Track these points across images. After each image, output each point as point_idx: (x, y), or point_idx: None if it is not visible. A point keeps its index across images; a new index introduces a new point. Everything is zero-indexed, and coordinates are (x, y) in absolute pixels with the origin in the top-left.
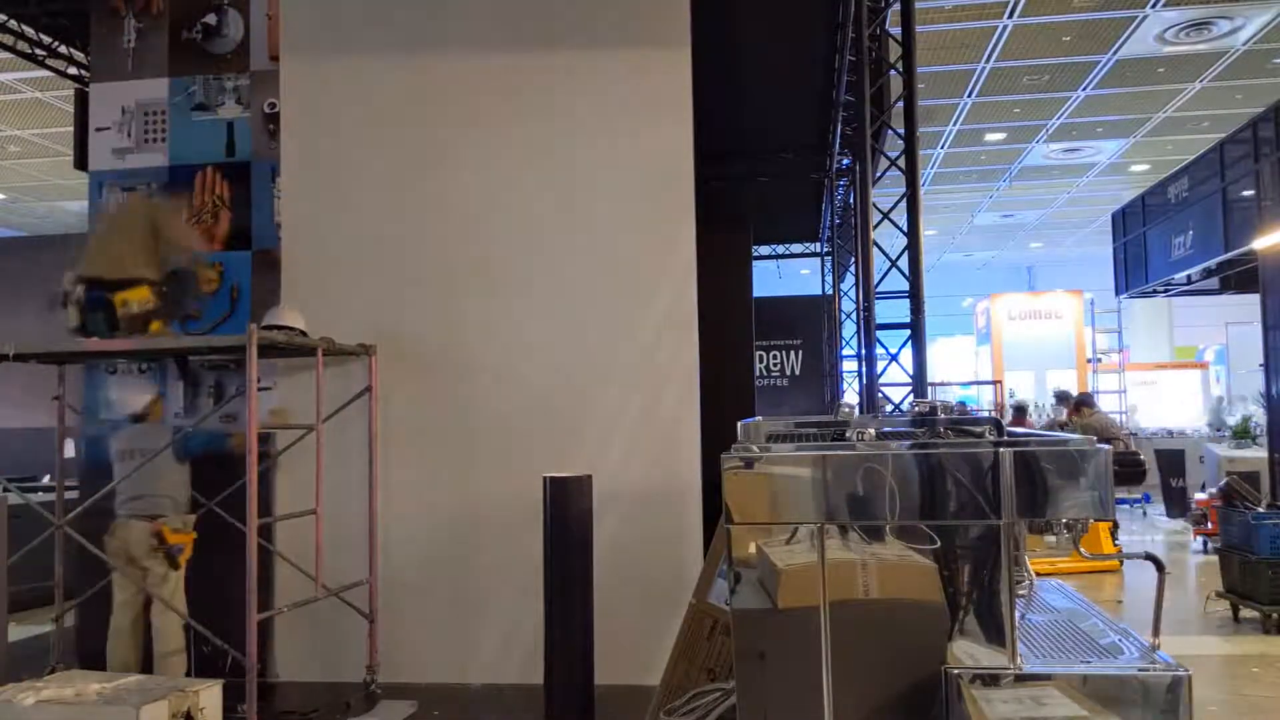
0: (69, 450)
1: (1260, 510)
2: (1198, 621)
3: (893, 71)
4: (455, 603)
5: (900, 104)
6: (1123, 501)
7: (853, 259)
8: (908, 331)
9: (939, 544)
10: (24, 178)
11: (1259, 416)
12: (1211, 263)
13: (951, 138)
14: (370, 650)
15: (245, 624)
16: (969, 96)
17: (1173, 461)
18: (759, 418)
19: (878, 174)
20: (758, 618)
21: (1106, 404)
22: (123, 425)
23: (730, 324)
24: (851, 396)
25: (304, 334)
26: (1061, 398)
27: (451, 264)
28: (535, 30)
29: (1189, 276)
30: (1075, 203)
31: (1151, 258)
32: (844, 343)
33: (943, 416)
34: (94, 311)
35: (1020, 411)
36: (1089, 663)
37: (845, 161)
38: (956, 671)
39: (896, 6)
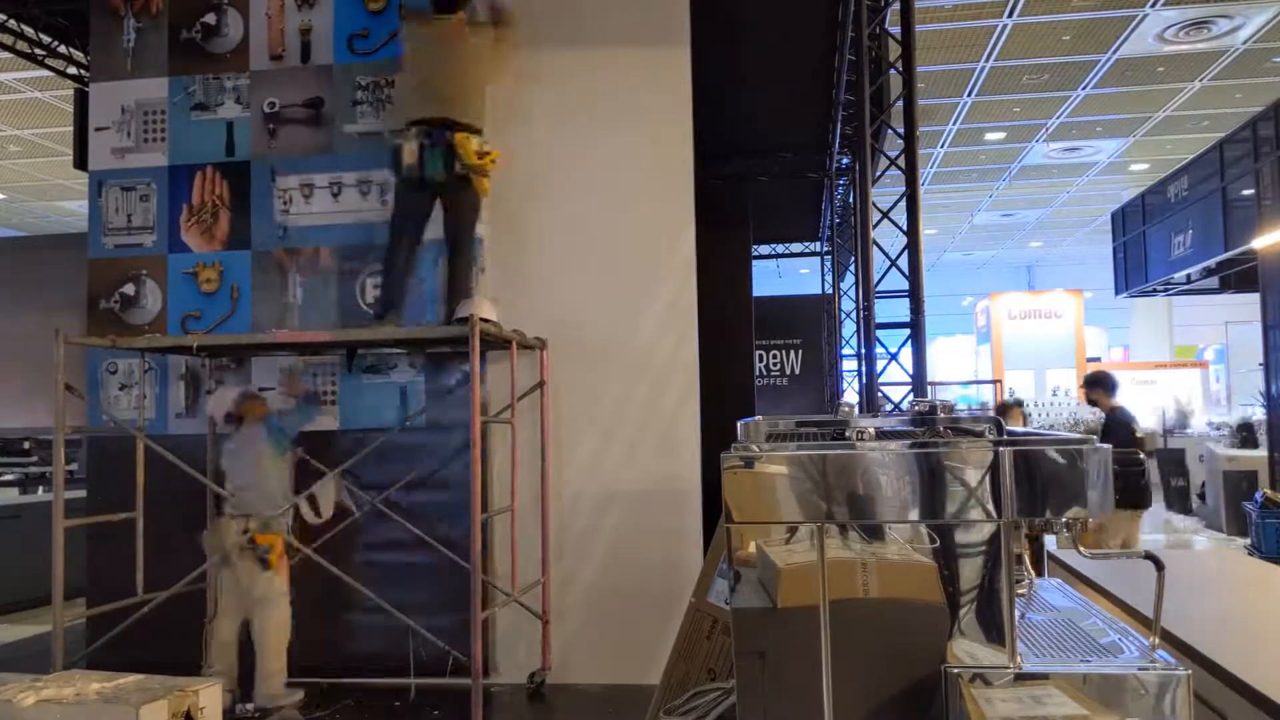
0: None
1: None
2: None
3: (892, 71)
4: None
5: (900, 103)
6: None
7: (852, 258)
8: (907, 331)
9: (938, 543)
10: (24, 178)
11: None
12: (1211, 262)
13: (951, 137)
14: (544, 651)
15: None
16: (969, 96)
17: (1173, 461)
18: (759, 417)
19: (877, 173)
20: (758, 617)
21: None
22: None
23: (730, 323)
24: (851, 396)
25: (498, 325)
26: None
27: None
28: (535, 29)
29: (1189, 275)
30: (1075, 202)
31: (1151, 257)
32: (844, 342)
33: (942, 416)
34: (433, 148)
35: (1004, 410)
36: (1089, 662)
37: (845, 161)
38: (956, 670)
39: (896, 6)
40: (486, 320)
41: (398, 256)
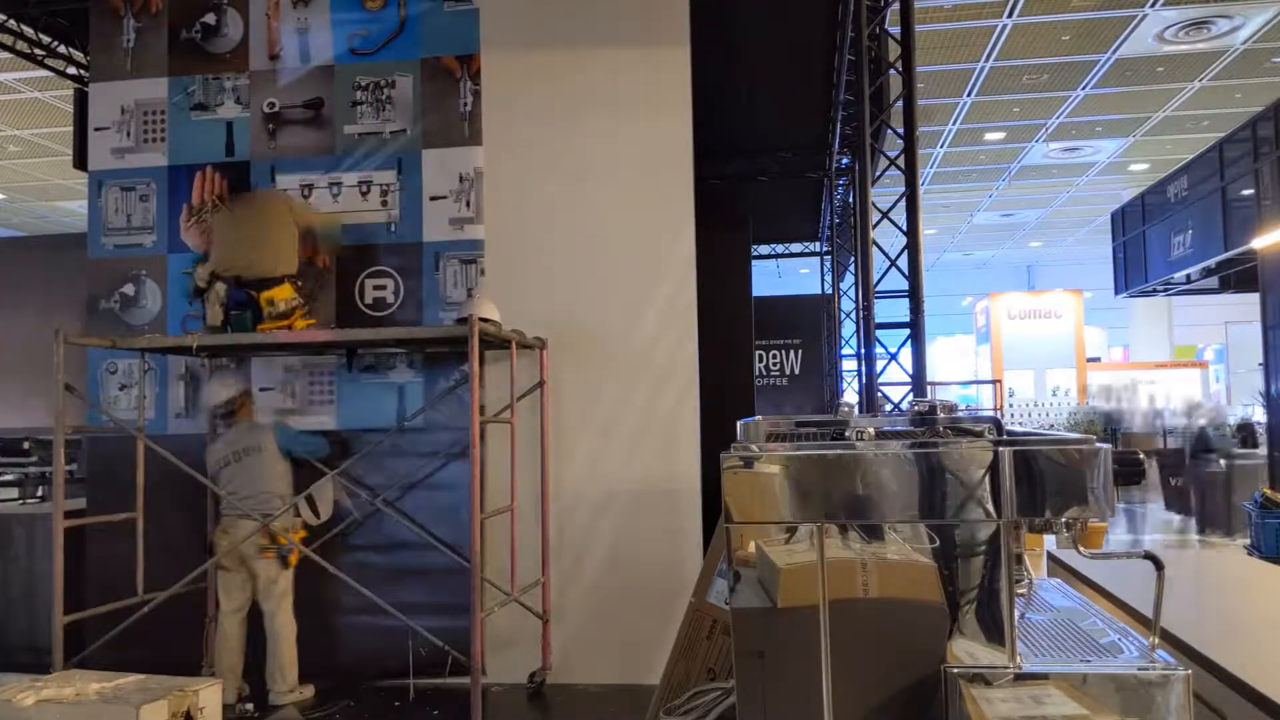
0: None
1: None
2: None
3: (892, 71)
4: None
5: (899, 103)
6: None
7: (852, 258)
8: (907, 331)
9: (938, 543)
10: (24, 178)
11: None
12: (1211, 262)
13: (951, 137)
14: (544, 651)
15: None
16: (968, 96)
17: (1173, 460)
18: (759, 417)
19: (877, 173)
20: (757, 617)
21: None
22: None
23: (730, 323)
24: (851, 396)
25: (499, 325)
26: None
27: None
28: (536, 29)
29: (1188, 275)
30: (1074, 202)
31: (1151, 257)
32: (843, 342)
33: (942, 415)
34: (240, 310)
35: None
36: (1088, 662)
37: (845, 161)
38: (956, 670)
39: (896, 6)
40: (486, 320)
41: None
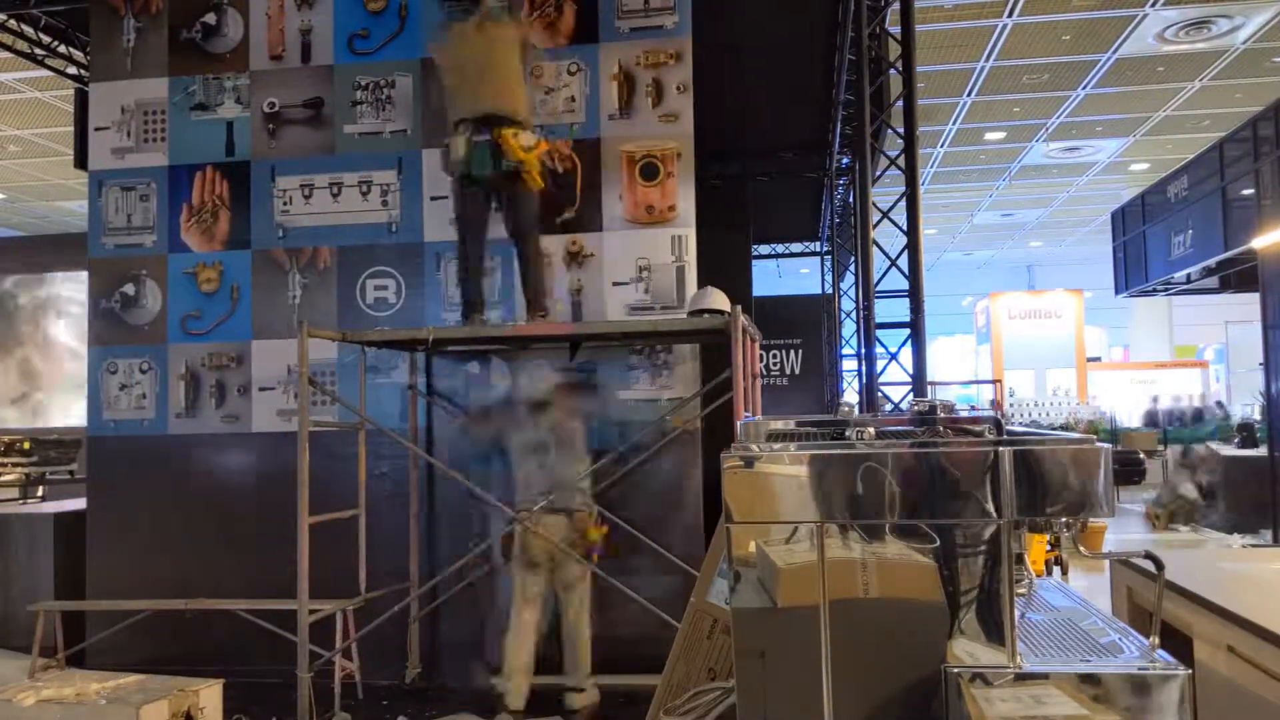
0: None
1: None
2: None
3: (892, 70)
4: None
5: (900, 103)
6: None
7: (852, 258)
8: (907, 330)
9: (938, 542)
10: (24, 177)
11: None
12: (1211, 261)
13: (951, 137)
14: None
15: None
16: (969, 95)
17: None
18: (759, 416)
19: (877, 173)
20: (757, 617)
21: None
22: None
23: None
24: (851, 396)
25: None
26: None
27: None
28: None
29: (1188, 275)
30: (1075, 201)
31: (1151, 256)
32: (844, 342)
33: (942, 415)
34: (479, 146)
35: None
36: (1089, 661)
37: (845, 160)
38: (956, 670)
39: (896, 5)
40: (719, 311)
41: (467, 257)
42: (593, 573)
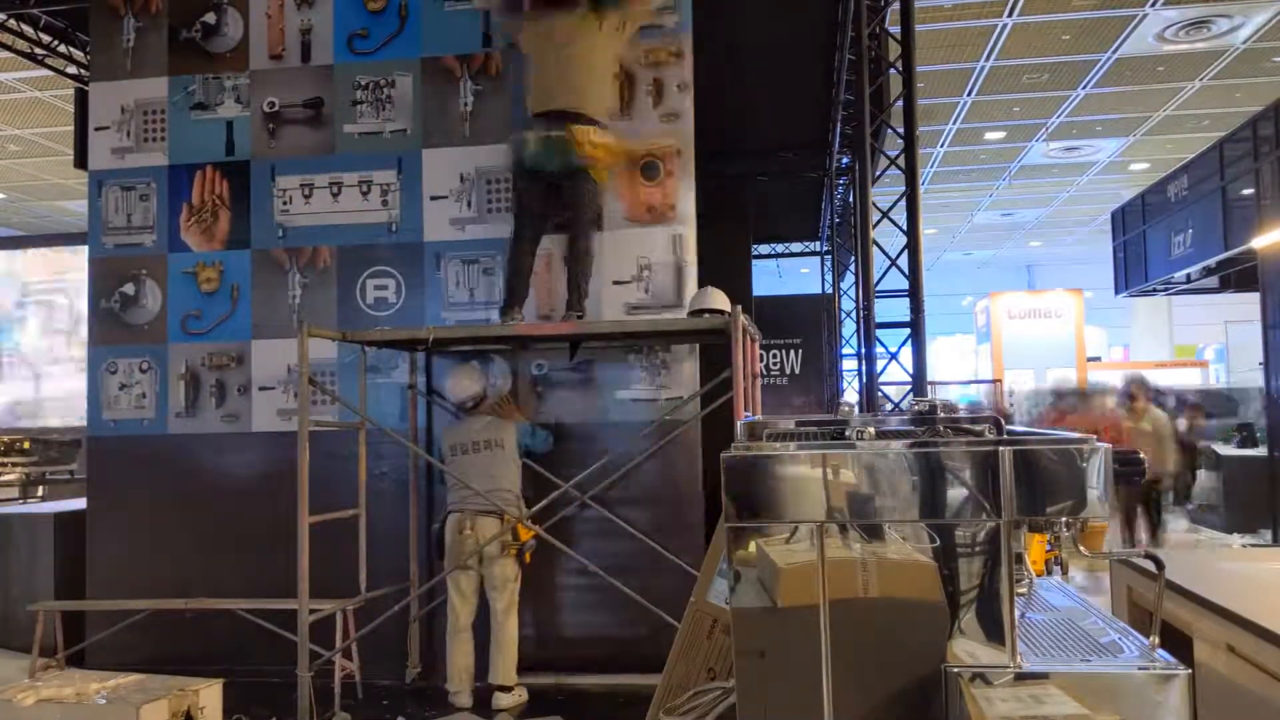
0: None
1: None
2: None
3: (892, 70)
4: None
5: (900, 103)
6: None
7: (852, 258)
8: (907, 330)
9: (938, 542)
10: (24, 177)
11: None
12: (1211, 261)
13: (951, 136)
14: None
15: None
16: (968, 95)
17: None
18: (759, 416)
19: (877, 173)
20: (757, 616)
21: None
22: (458, 416)
23: None
24: (851, 395)
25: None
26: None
27: None
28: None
29: (1188, 275)
30: (1075, 201)
31: (1151, 256)
32: (844, 341)
33: (942, 415)
34: (549, 141)
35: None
36: (1089, 661)
37: (845, 160)
38: (956, 670)
39: (896, 5)
40: (719, 311)
41: (519, 253)
42: (591, 572)
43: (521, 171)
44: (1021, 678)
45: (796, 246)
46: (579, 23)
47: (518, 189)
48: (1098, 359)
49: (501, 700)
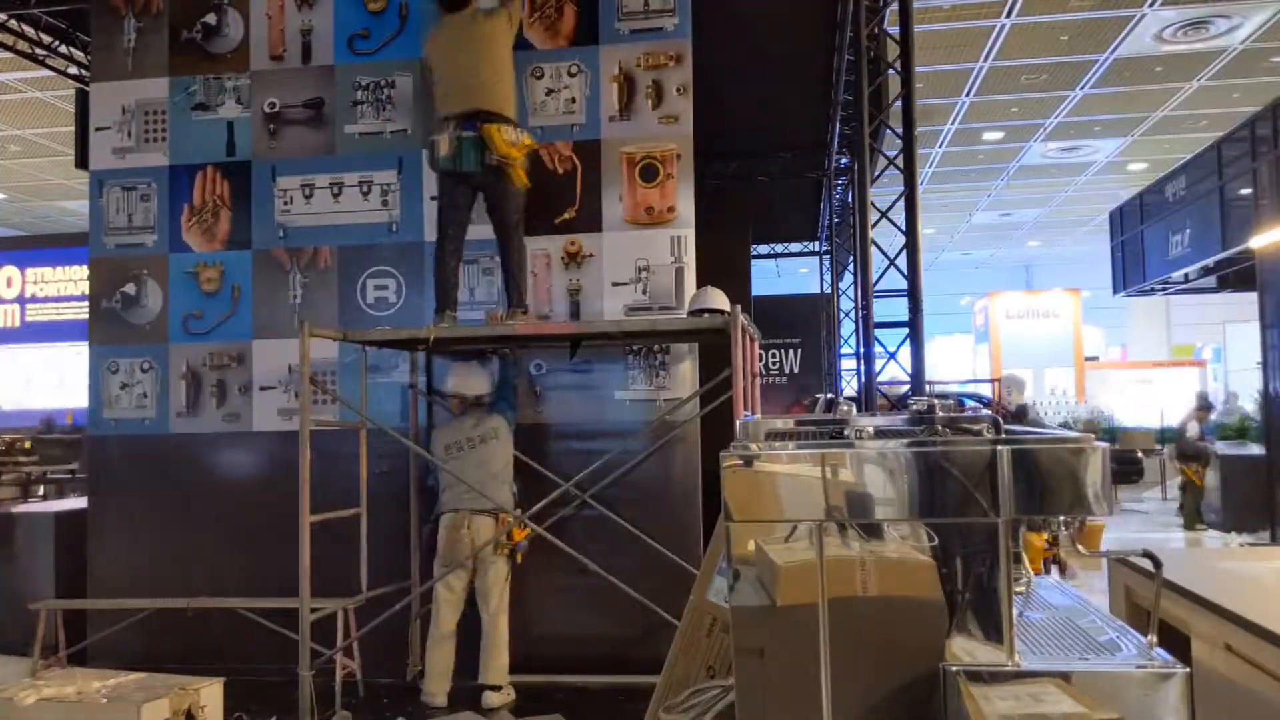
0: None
1: None
2: None
3: (891, 70)
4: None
5: (898, 103)
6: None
7: (851, 258)
8: (906, 330)
9: (937, 541)
10: (24, 177)
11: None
12: (1209, 261)
13: (950, 137)
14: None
15: None
16: (967, 95)
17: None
18: (758, 415)
19: (876, 173)
20: (757, 615)
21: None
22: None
23: None
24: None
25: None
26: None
27: None
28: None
29: (1186, 275)
30: (1073, 201)
31: (1149, 256)
32: (842, 341)
33: (941, 414)
34: (465, 141)
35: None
36: (1087, 659)
37: (844, 160)
38: (954, 668)
39: (895, 6)
40: (718, 311)
41: (444, 254)
42: (592, 572)
43: (440, 174)
44: (1020, 676)
45: (795, 246)
46: (480, 24)
47: (440, 191)
48: (1095, 358)
49: (492, 699)
